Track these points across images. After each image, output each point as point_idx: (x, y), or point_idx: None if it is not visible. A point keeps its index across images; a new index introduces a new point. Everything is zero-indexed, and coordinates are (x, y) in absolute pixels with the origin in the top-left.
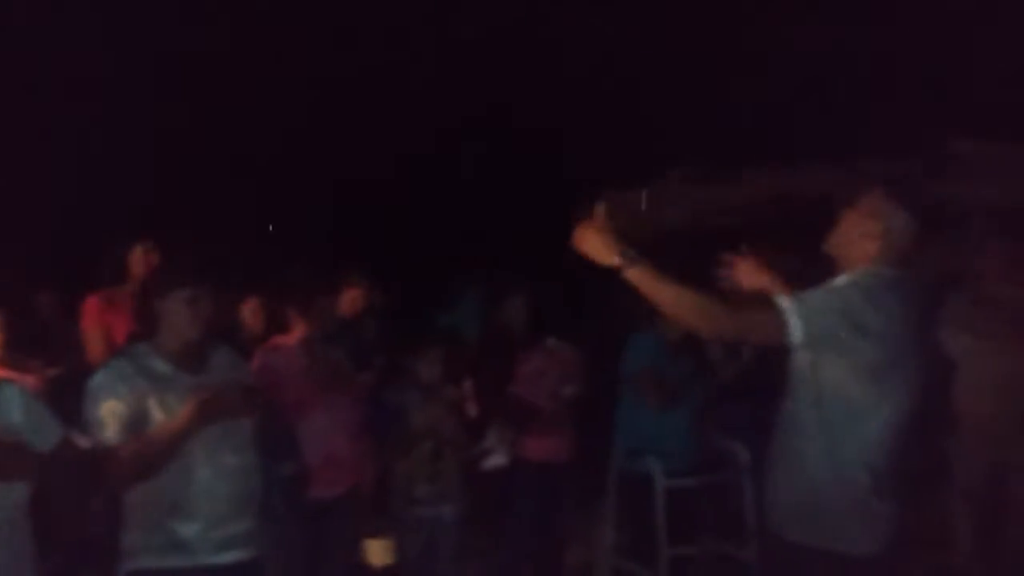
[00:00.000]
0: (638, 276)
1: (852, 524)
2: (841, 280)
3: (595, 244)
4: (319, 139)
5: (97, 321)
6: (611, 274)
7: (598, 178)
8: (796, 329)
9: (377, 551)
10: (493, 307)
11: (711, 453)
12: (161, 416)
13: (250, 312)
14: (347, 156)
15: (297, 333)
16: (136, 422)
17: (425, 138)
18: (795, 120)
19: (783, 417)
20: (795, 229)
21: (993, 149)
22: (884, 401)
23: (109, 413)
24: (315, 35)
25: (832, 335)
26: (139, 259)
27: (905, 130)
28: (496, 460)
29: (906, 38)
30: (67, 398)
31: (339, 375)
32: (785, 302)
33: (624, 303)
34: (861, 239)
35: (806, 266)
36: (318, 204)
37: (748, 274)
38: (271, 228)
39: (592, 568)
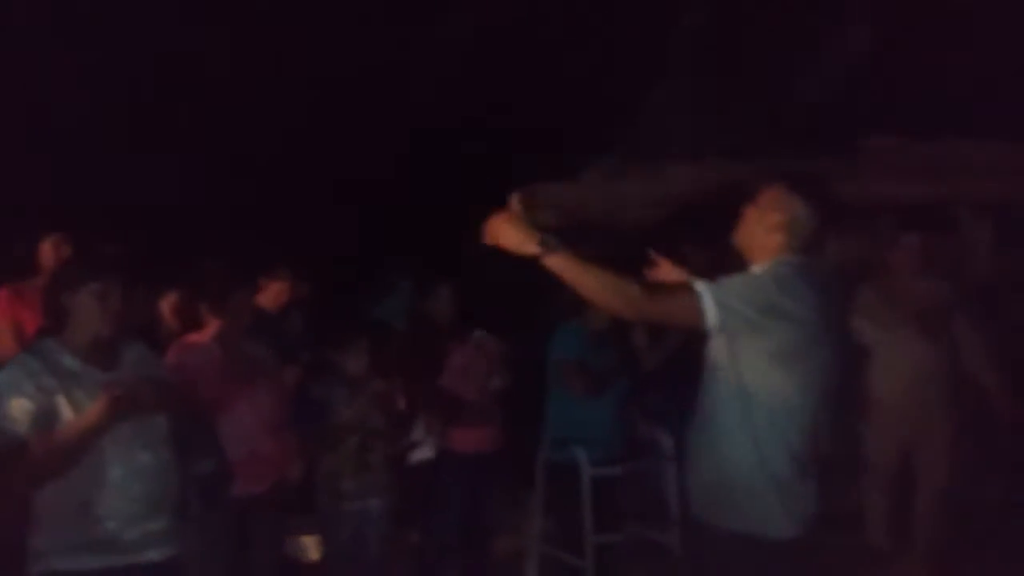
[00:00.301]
0: (559, 263)
1: (773, 507)
2: (755, 269)
3: (512, 235)
4: (244, 126)
5: (6, 315)
6: (536, 266)
7: (525, 171)
8: (711, 312)
9: (304, 547)
10: (420, 300)
11: (636, 441)
12: (70, 414)
13: (168, 307)
14: (273, 145)
15: (211, 329)
16: (44, 420)
17: (351, 128)
18: (712, 115)
19: (702, 403)
20: (714, 222)
21: (904, 146)
22: (800, 385)
23: (16, 411)
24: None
25: (746, 318)
26: (49, 252)
27: (820, 127)
28: (423, 453)
29: (823, 36)
30: None
31: (260, 370)
32: (701, 286)
33: (549, 294)
34: (766, 232)
35: (725, 258)
36: (242, 194)
37: (669, 272)
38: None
39: (520, 557)
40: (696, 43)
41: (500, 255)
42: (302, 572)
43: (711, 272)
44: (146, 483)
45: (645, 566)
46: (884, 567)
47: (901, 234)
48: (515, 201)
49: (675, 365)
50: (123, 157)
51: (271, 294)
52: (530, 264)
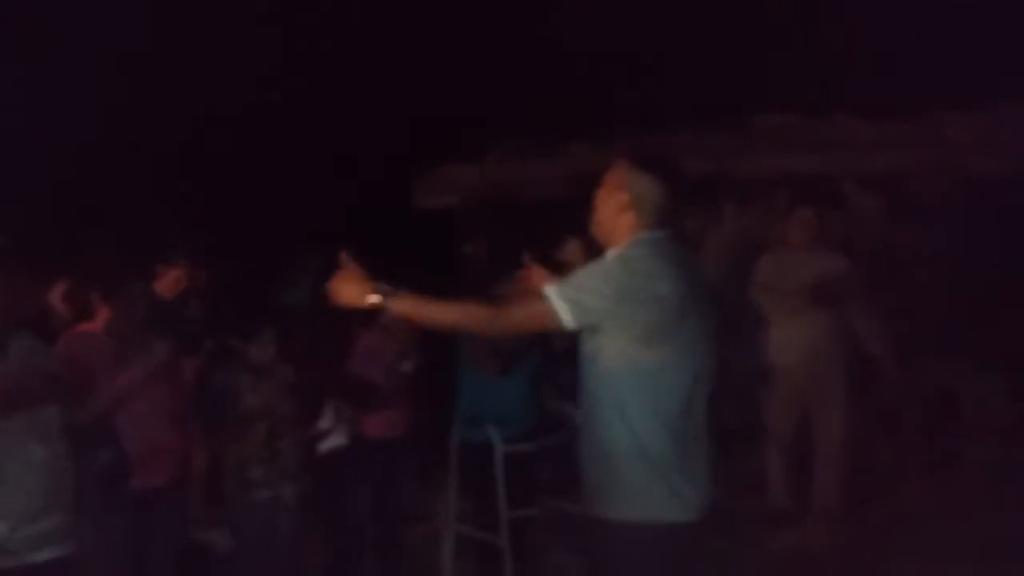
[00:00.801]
0: (400, 306)
1: (662, 493)
2: (608, 255)
3: (350, 292)
4: (140, 112)
5: None
6: (445, 250)
7: (431, 153)
8: (566, 314)
9: (214, 539)
10: (326, 283)
11: (548, 417)
12: None
13: (58, 297)
14: (174, 130)
15: (102, 318)
16: None
17: (253, 113)
18: (614, 95)
19: (580, 398)
20: None
21: (794, 123)
22: (673, 364)
23: None
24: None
25: (599, 311)
26: None
27: (716, 105)
28: (335, 440)
29: (719, 18)
30: None
31: (156, 360)
32: (551, 290)
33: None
34: (616, 212)
35: None
36: (139, 179)
37: (541, 279)
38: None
39: (437, 539)
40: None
41: (403, 239)
42: (213, 564)
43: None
44: (40, 478)
45: (561, 539)
46: (787, 528)
47: (795, 208)
48: (345, 258)
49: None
50: (10, 145)
51: (167, 282)
52: (438, 251)
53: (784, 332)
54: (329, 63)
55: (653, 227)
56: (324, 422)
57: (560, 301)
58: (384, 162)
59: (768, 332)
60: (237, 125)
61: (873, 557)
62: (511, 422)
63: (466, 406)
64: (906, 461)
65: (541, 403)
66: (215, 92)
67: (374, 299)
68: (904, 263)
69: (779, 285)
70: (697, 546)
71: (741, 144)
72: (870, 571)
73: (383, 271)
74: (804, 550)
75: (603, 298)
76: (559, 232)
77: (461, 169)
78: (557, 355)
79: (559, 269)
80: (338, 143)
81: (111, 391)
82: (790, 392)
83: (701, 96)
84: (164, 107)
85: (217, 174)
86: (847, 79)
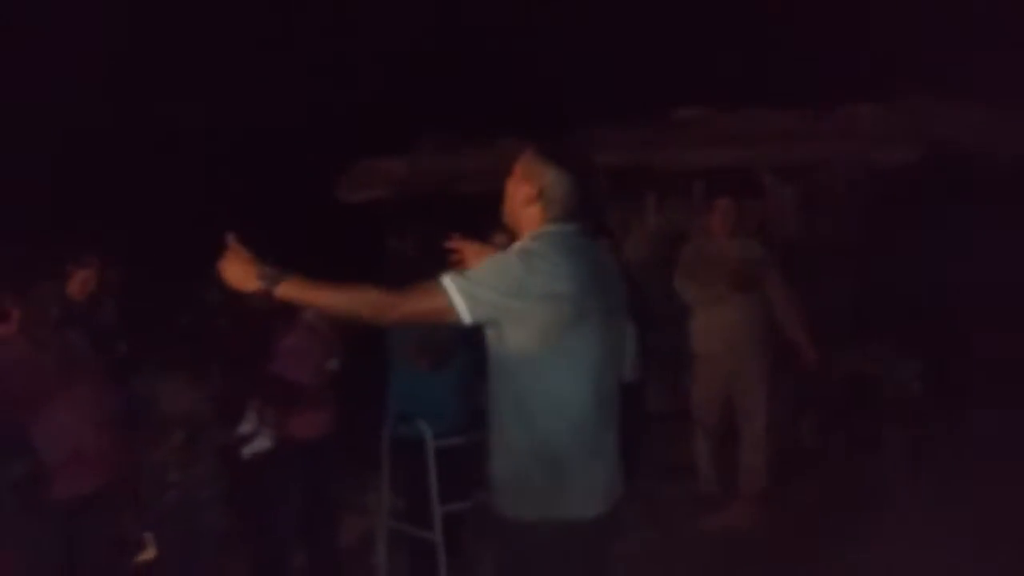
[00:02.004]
0: (287, 291)
1: (565, 490)
2: (512, 248)
3: (235, 274)
4: (49, 103)
5: None
6: (372, 245)
7: (352, 146)
8: (461, 307)
9: (140, 545)
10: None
11: (478, 411)
12: None
13: None
14: (85, 121)
15: (13, 321)
16: None
17: (170, 101)
18: (542, 91)
19: (486, 393)
20: None
21: (709, 116)
22: (573, 360)
23: None
24: None
25: (497, 306)
26: None
27: (634, 99)
28: (260, 444)
29: (637, 13)
30: None
31: (77, 364)
32: (446, 281)
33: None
34: (523, 203)
35: None
36: (50, 176)
37: (473, 255)
38: None
39: (370, 537)
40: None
41: (328, 233)
42: (137, 571)
43: None
44: None
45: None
46: (715, 511)
47: (714, 198)
48: (232, 240)
49: None
50: None
51: (77, 282)
52: (364, 245)
53: (706, 319)
54: (253, 53)
55: (559, 220)
56: (246, 426)
57: (456, 294)
58: (308, 155)
59: (691, 320)
60: (154, 118)
61: (800, 537)
62: (443, 417)
63: (397, 401)
64: (828, 443)
65: (472, 397)
66: (130, 84)
67: (257, 284)
68: (820, 250)
69: (700, 274)
70: (604, 539)
71: (660, 137)
72: (797, 551)
73: (308, 267)
74: (733, 533)
75: (499, 292)
76: (487, 226)
77: (388, 163)
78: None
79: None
80: (262, 136)
81: (30, 398)
82: (714, 378)
83: (620, 90)
84: (74, 101)
85: (133, 169)
86: (761, 72)
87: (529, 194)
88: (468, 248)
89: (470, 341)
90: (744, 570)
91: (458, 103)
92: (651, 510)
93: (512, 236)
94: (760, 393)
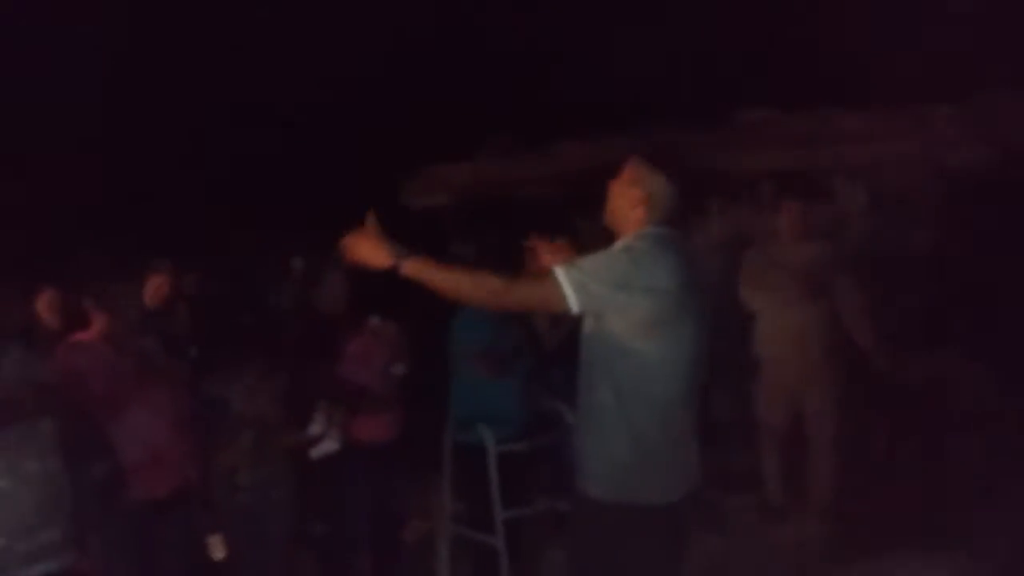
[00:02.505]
0: (414, 269)
1: (649, 476)
2: (616, 244)
3: (367, 250)
4: (120, 115)
5: None
6: (434, 250)
7: (417, 153)
8: (571, 297)
9: (212, 545)
10: (311, 288)
11: (540, 416)
12: None
13: (45, 306)
14: (159, 132)
15: (98, 327)
16: None
17: (238, 108)
18: (603, 94)
19: (580, 381)
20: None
21: (776, 118)
22: (668, 354)
23: None
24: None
25: (604, 297)
26: None
27: (698, 102)
28: (327, 446)
29: (701, 16)
30: None
31: (154, 368)
32: (560, 272)
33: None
34: (628, 207)
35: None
36: (125, 184)
37: (552, 255)
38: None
39: (432, 541)
40: None
41: (392, 239)
42: (209, 571)
43: (604, 244)
44: (35, 492)
45: (555, 538)
46: (784, 523)
47: (781, 201)
48: (370, 218)
49: (574, 341)
50: None
51: (151, 288)
52: (427, 251)
53: (774, 325)
54: (319, 65)
55: (659, 223)
56: (315, 427)
57: (568, 284)
58: (372, 162)
59: (757, 326)
60: (223, 128)
61: (871, 550)
62: (504, 422)
63: (459, 407)
64: (900, 452)
65: (533, 403)
66: (201, 96)
67: (387, 260)
68: (891, 254)
69: (767, 279)
70: (681, 524)
71: (724, 140)
72: (868, 565)
73: (376, 283)
74: (801, 545)
75: (607, 285)
76: (548, 231)
77: (451, 168)
78: (548, 355)
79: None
80: (326, 145)
81: (112, 401)
82: (782, 385)
83: (683, 94)
84: (148, 112)
85: (203, 177)
86: (829, 72)
87: (637, 198)
88: (544, 247)
89: (530, 349)
90: None
91: (521, 108)
92: (716, 521)
93: (572, 242)
94: (830, 400)
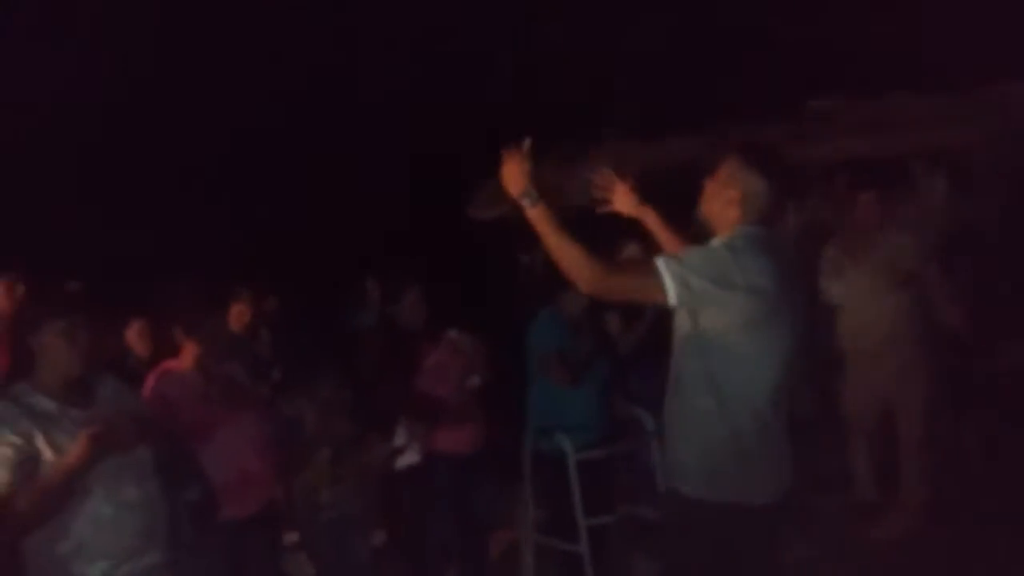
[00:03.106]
0: (536, 216)
1: (746, 475)
2: (714, 242)
3: (510, 175)
4: (196, 144)
5: None
6: (506, 261)
7: (476, 167)
8: (671, 288)
9: (298, 564)
10: (389, 304)
11: (618, 423)
12: (52, 456)
13: (136, 335)
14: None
15: (188, 355)
16: (27, 466)
17: (304, 129)
18: (663, 90)
19: (672, 377)
20: (666, 197)
21: (849, 106)
22: (764, 352)
23: None
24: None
25: (705, 293)
26: (3, 295)
27: (767, 93)
28: (409, 458)
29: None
30: None
31: (241, 392)
32: (661, 263)
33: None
34: (724, 206)
35: (689, 229)
36: (199, 215)
37: (621, 197)
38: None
39: (517, 550)
40: None
41: (463, 253)
42: None
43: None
44: (136, 518)
45: (640, 544)
46: (875, 521)
47: (858, 192)
48: (526, 145)
49: (650, 345)
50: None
51: (234, 315)
52: (498, 262)
53: (859, 318)
54: (382, 90)
55: (756, 222)
56: (399, 440)
57: (668, 276)
58: (438, 179)
59: (840, 319)
60: (295, 147)
61: (966, 548)
62: (583, 430)
63: (538, 416)
64: (995, 446)
65: (611, 410)
66: (269, 120)
67: (520, 195)
68: (977, 239)
69: (849, 270)
70: (770, 529)
71: (796, 131)
72: (963, 563)
73: (451, 296)
74: (894, 544)
75: (707, 280)
76: (615, 236)
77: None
78: (624, 360)
79: None
80: (397, 160)
81: (202, 426)
82: (869, 379)
83: (751, 86)
84: (221, 135)
85: (274, 203)
86: (898, 55)
87: (732, 198)
88: (617, 186)
89: (604, 354)
90: None
91: (582, 112)
92: (806, 522)
93: (643, 247)
94: (921, 393)
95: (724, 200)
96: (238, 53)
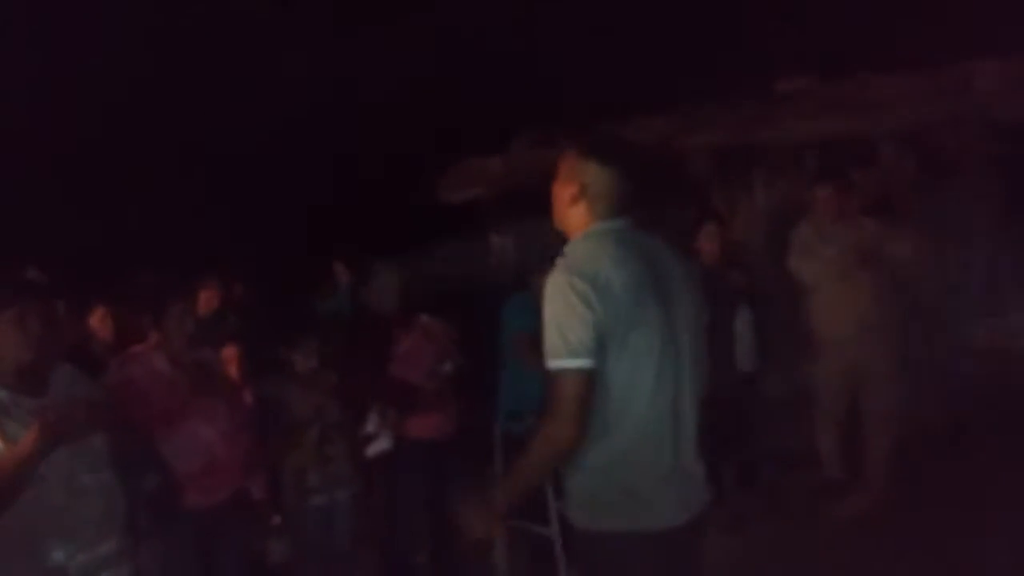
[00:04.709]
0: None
1: (650, 502)
2: (558, 263)
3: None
4: (172, 133)
5: None
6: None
7: (448, 150)
8: (572, 362)
9: (272, 548)
10: (362, 289)
11: None
12: (3, 445)
13: (98, 321)
14: (200, 142)
15: (154, 341)
16: None
17: (280, 122)
18: (634, 76)
19: None
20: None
21: (815, 86)
22: (636, 370)
23: None
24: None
25: (587, 333)
26: None
27: (735, 75)
28: (381, 445)
29: None
30: None
31: (209, 378)
32: (549, 364)
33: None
34: (568, 205)
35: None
36: (168, 200)
37: None
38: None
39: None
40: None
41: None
42: (271, 573)
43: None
44: (91, 506)
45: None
46: (840, 499)
47: (826, 173)
48: None
49: None
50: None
51: (202, 300)
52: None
53: (828, 299)
54: (349, 67)
55: (608, 217)
56: (369, 426)
57: (557, 361)
58: (407, 161)
59: (811, 300)
60: (262, 137)
61: (930, 525)
62: None
63: (510, 400)
64: (960, 424)
65: None
66: (238, 105)
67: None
68: (946, 218)
69: (819, 252)
70: (687, 547)
71: (764, 112)
72: (927, 540)
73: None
74: (859, 521)
75: (574, 322)
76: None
77: (485, 161)
78: None
79: None
80: (359, 147)
81: (169, 413)
82: (838, 360)
83: (719, 68)
84: (188, 122)
85: (244, 187)
86: (866, 35)
87: (572, 194)
88: None
89: None
90: (871, 558)
91: (550, 98)
92: (773, 499)
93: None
94: (888, 374)
95: (566, 198)
96: (201, 40)
